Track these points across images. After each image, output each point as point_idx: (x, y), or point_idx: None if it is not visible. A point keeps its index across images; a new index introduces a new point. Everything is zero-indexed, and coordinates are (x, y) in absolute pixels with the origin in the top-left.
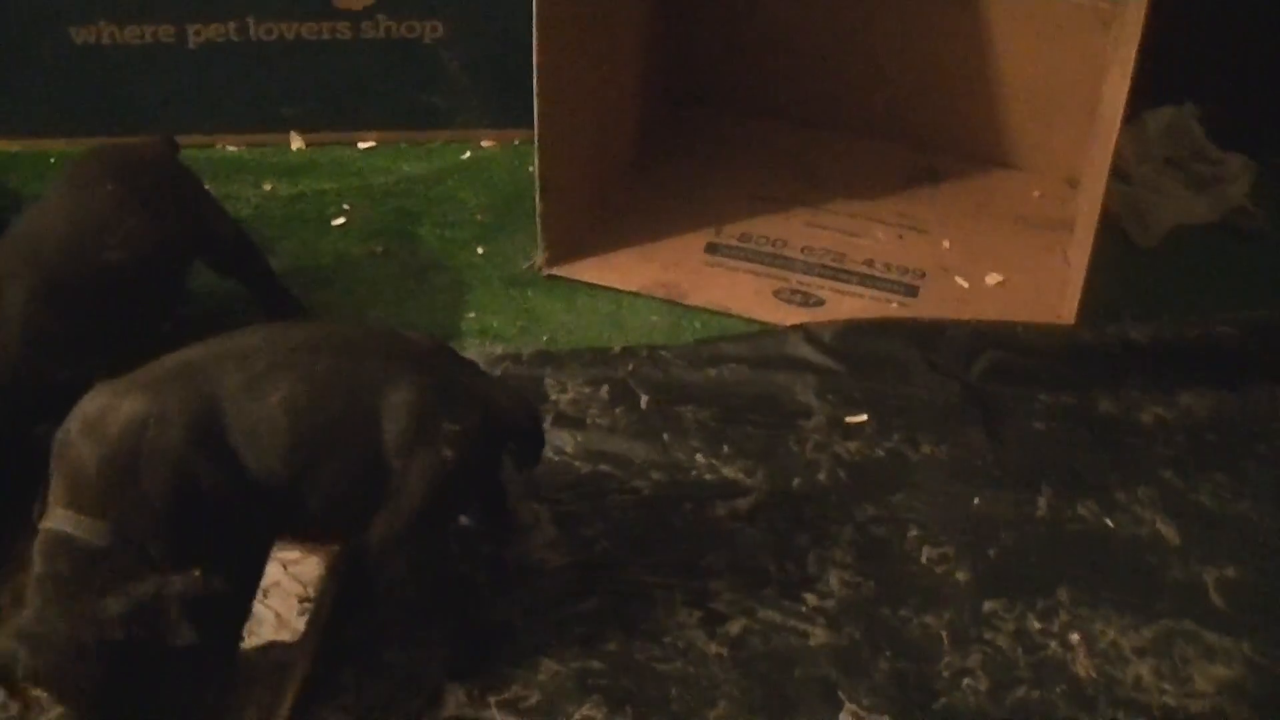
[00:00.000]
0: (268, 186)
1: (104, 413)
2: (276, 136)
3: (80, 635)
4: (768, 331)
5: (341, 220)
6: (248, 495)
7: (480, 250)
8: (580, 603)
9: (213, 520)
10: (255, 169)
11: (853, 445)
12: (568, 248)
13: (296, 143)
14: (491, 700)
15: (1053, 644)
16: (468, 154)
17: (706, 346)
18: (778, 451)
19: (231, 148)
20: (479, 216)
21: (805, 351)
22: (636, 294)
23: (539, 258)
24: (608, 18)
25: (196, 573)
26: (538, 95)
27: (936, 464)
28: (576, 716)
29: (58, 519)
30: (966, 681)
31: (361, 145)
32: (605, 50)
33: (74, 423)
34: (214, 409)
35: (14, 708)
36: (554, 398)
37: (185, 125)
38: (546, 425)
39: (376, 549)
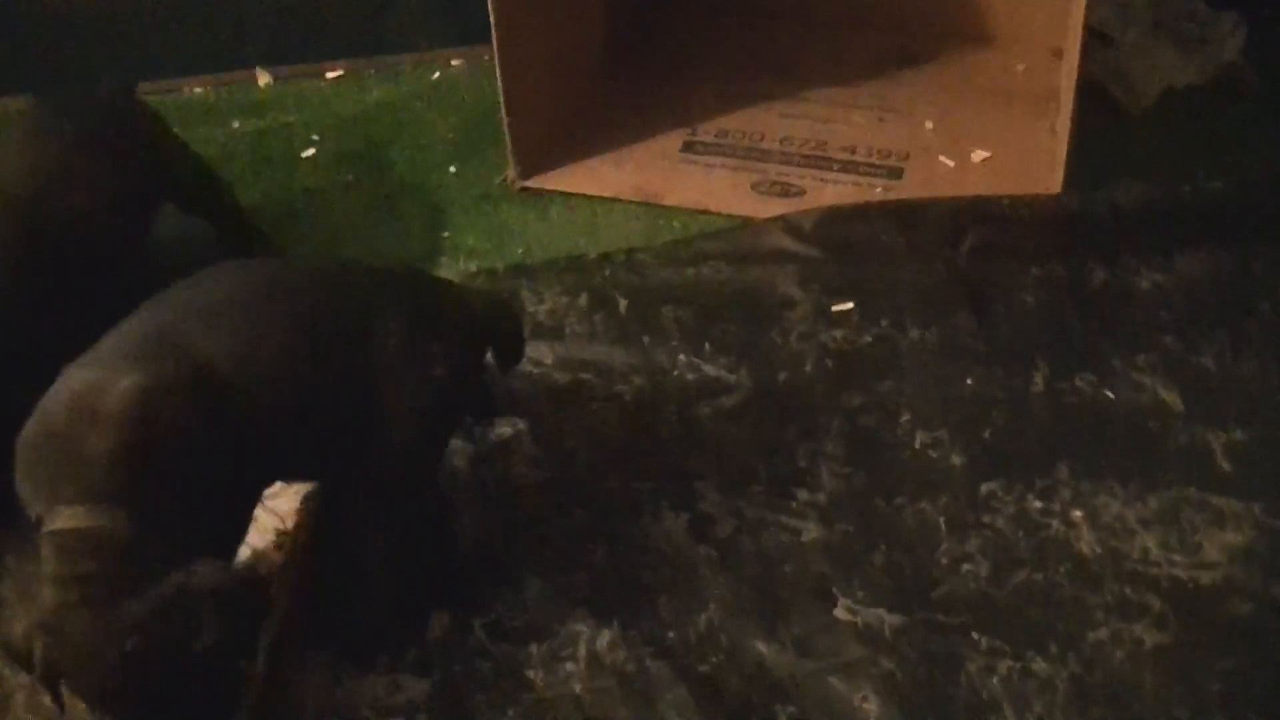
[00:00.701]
0: (235, 124)
1: (95, 393)
2: (242, 75)
3: (106, 632)
4: (747, 225)
5: (311, 152)
6: (258, 453)
7: (452, 170)
8: (563, 518)
9: (230, 487)
10: (222, 109)
11: (838, 334)
12: (539, 160)
13: (263, 79)
14: (475, 624)
15: (1055, 523)
16: (436, 75)
17: (684, 246)
18: (761, 345)
19: (198, 89)
20: (450, 136)
21: (786, 242)
22: (612, 200)
23: (511, 172)
24: None
25: (221, 564)
26: (492, 8)
27: (925, 348)
28: (563, 633)
29: (69, 517)
30: (966, 567)
31: (329, 76)
32: None
33: (59, 410)
34: (211, 371)
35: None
36: (531, 309)
37: (150, 71)
38: (525, 335)
39: (377, 474)
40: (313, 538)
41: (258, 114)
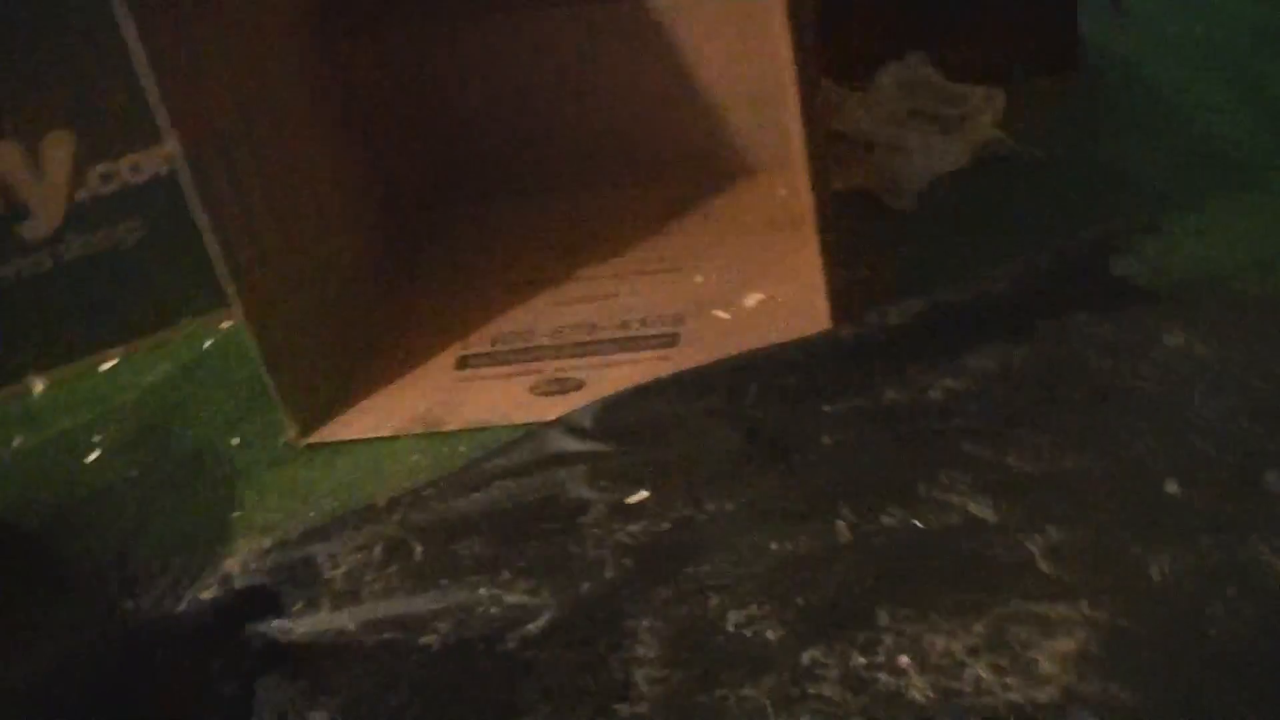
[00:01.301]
0: (16, 442)
1: None
2: (16, 387)
3: None
4: (527, 435)
5: (96, 454)
6: None
7: (235, 441)
8: None
9: None
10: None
11: (635, 528)
12: (317, 412)
13: (38, 386)
14: None
15: (882, 675)
16: (209, 342)
17: (469, 472)
18: (560, 560)
19: None
20: (230, 405)
21: (569, 443)
22: (395, 437)
23: (291, 432)
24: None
25: None
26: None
27: (726, 519)
28: None
29: None
30: None
31: (103, 368)
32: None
33: None
34: None
35: None
36: (328, 575)
37: None
38: (325, 611)
39: None
40: None
41: (36, 426)
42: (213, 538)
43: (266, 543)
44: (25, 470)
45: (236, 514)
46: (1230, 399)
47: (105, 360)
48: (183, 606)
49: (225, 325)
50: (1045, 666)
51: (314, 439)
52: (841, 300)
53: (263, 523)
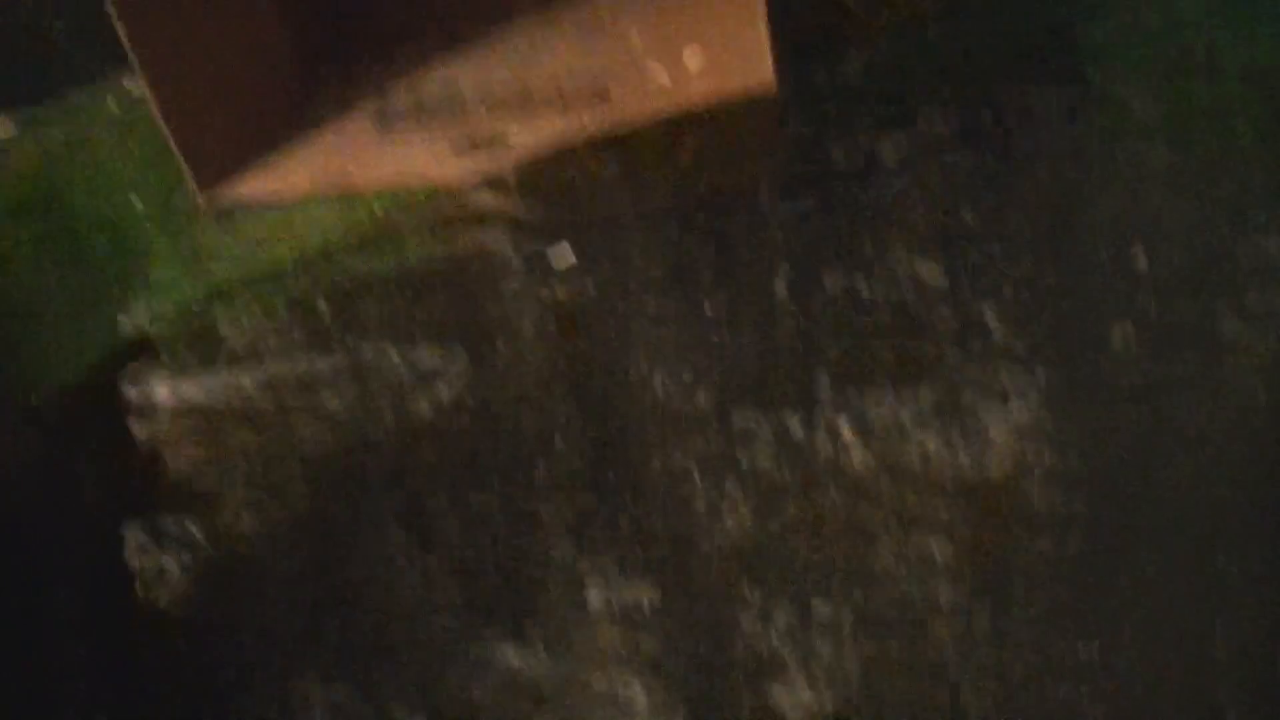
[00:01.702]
0: None
1: None
2: None
3: None
4: (447, 191)
5: None
6: None
7: (138, 204)
8: (287, 560)
9: None
10: None
11: (559, 289)
12: (222, 174)
13: None
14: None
15: (821, 444)
16: (111, 104)
17: (382, 229)
18: (476, 320)
19: None
20: (131, 168)
21: (491, 201)
22: (307, 200)
23: (196, 193)
24: None
25: None
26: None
27: (657, 284)
28: (299, 690)
29: None
30: (727, 514)
31: (3, 137)
32: None
33: None
34: None
35: None
36: (228, 335)
37: None
38: (223, 371)
39: None
40: None
41: None
42: (111, 302)
43: (168, 305)
44: None
45: (138, 277)
46: (1192, 167)
47: (2, 129)
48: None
49: (126, 83)
50: (998, 438)
51: (216, 198)
52: (787, 57)
53: (164, 283)
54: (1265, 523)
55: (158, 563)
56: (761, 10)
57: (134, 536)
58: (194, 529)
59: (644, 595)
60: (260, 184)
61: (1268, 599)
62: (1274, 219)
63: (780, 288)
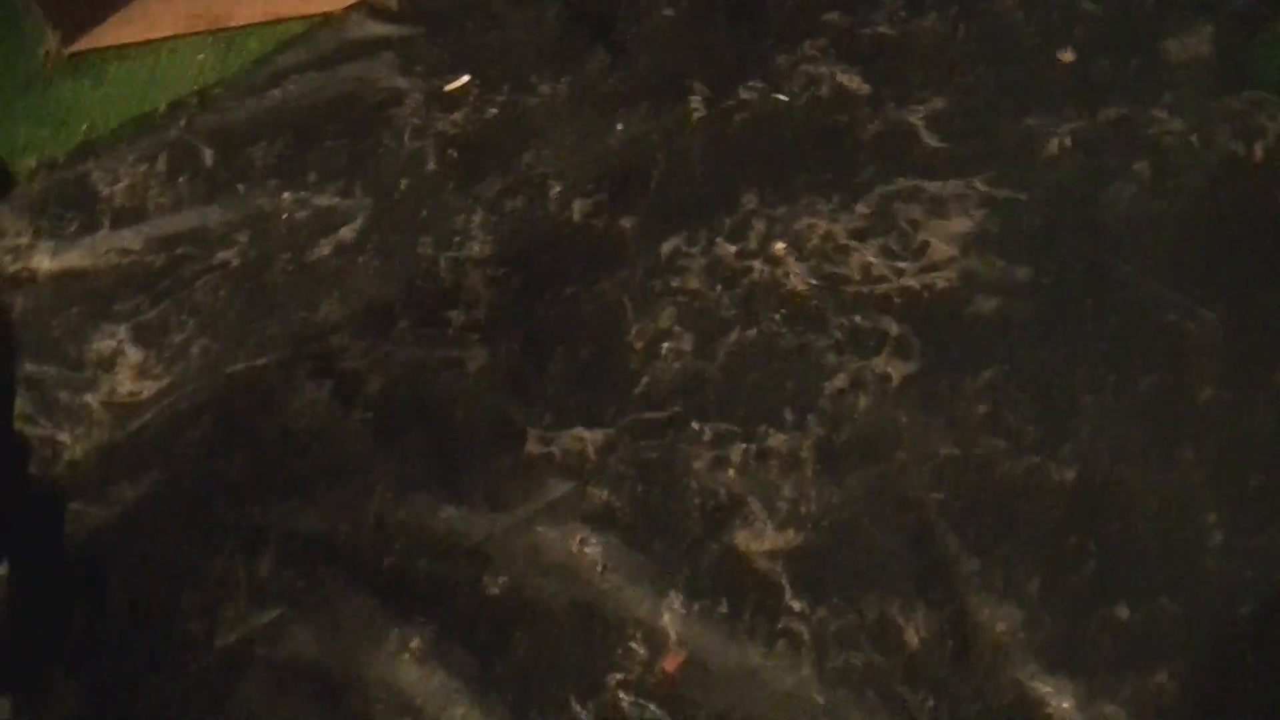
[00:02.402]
0: None
1: None
2: None
3: None
4: (326, 22)
5: None
6: None
7: None
8: (188, 427)
9: None
10: None
11: (458, 116)
12: (80, 17)
13: None
14: (114, 585)
15: (756, 264)
16: None
17: (262, 67)
18: (372, 156)
19: None
20: None
21: (375, 28)
22: (174, 38)
23: (51, 41)
24: None
25: None
26: None
27: (560, 102)
28: (216, 569)
29: None
30: (665, 346)
31: None
32: None
33: None
34: None
35: None
36: (105, 192)
37: None
38: (104, 230)
39: None
40: None
41: None
42: None
43: (31, 163)
44: None
45: None
46: None
47: None
48: None
49: None
50: (940, 249)
51: (78, 46)
52: None
53: (25, 142)
54: (1213, 311)
55: (50, 434)
56: None
57: (20, 406)
58: (89, 398)
59: (587, 441)
60: (123, 29)
61: (1226, 377)
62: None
63: (696, 103)
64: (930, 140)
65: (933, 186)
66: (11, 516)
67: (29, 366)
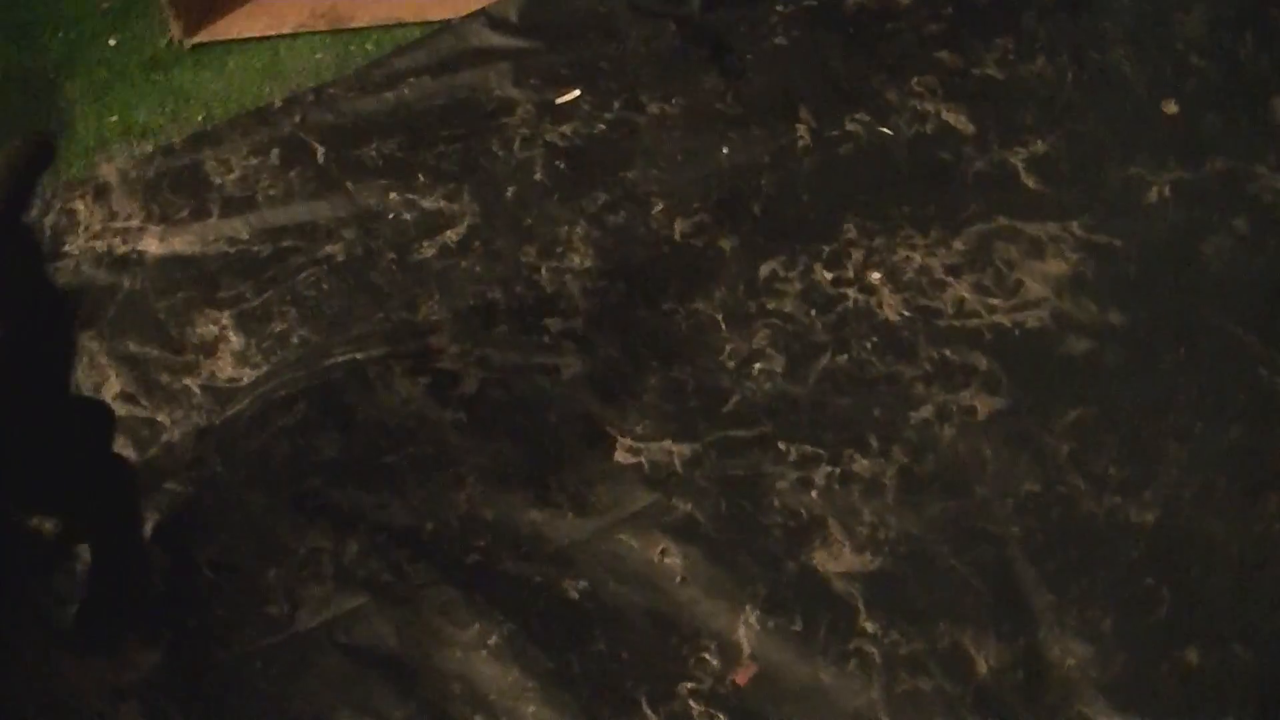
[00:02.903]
0: None
1: None
2: None
3: None
4: (445, 29)
5: None
6: None
7: (112, 43)
8: (284, 414)
9: None
10: None
11: (567, 128)
12: (203, 8)
13: None
14: (200, 561)
15: (851, 292)
16: None
17: (378, 68)
18: (481, 162)
19: None
20: (104, 5)
21: (491, 38)
22: (294, 36)
23: (175, 30)
24: None
25: None
26: None
27: (670, 121)
28: (302, 552)
29: None
30: (757, 367)
31: None
32: None
33: None
34: None
35: None
36: (218, 181)
37: None
38: (213, 218)
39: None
40: None
41: None
42: (88, 145)
43: (148, 148)
44: None
45: (113, 119)
46: (1225, 13)
47: None
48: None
49: None
50: (1033, 288)
51: (201, 38)
52: None
53: (143, 126)
54: None
55: (150, 415)
56: None
57: (121, 385)
58: (188, 382)
59: (674, 453)
60: (245, 23)
61: None
62: None
63: (803, 132)
64: (1031, 182)
65: (1030, 228)
66: (90, 486)
67: (131, 347)
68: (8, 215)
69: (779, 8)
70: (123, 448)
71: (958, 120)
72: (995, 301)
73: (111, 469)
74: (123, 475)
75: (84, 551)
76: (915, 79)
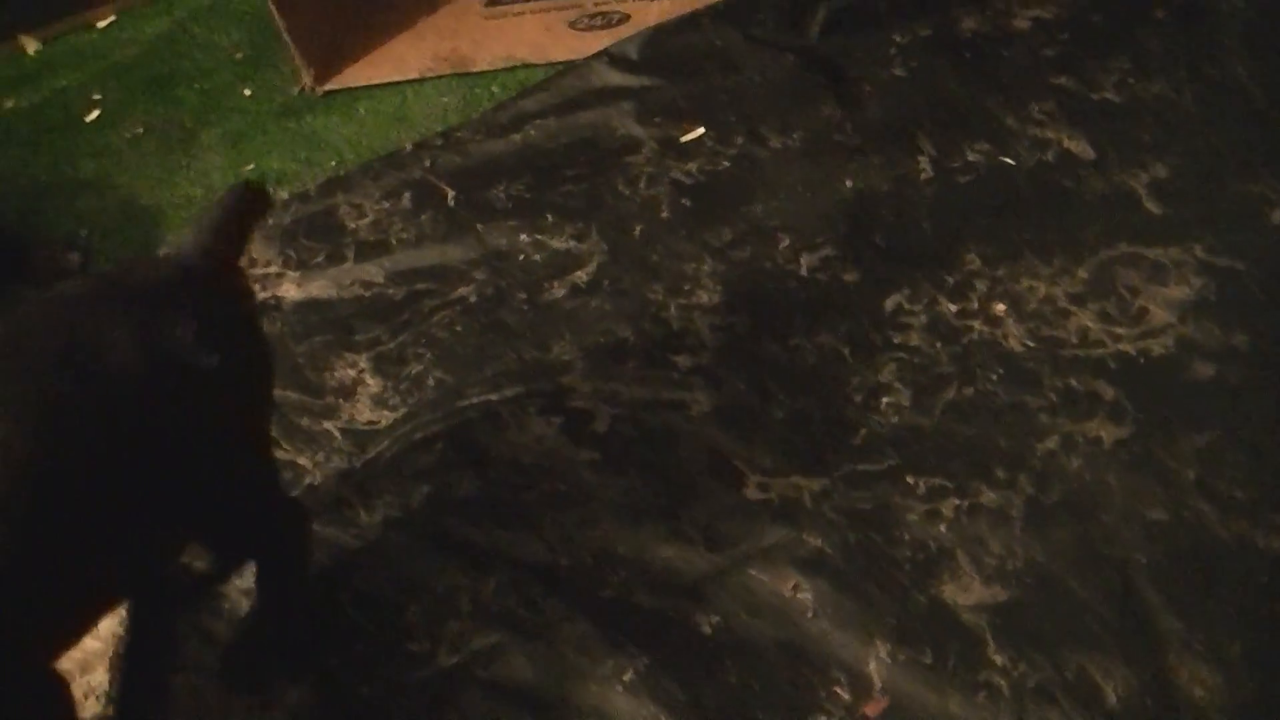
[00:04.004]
0: (9, 104)
1: None
2: (6, 47)
3: None
4: (568, 70)
5: (95, 114)
6: None
7: (247, 92)
8: (422, 455)
9: None
10: None
11: (691, 165)
12: (332, 57)
13: (31, 46)
14: (343, 598)
15: (976, 323)
16: None
17: (503, 110)
18: (608, 201)
19: None
20: (238, 56)
21: (613, 77)
22: (420, 80)
23: (306, 78)
24: None
25: None
26: None
27: (791, 154)
28: (440, 590)
29: None
30: (884, 401)
31: (101, 24)
32: None
33: None
34: None
35: None
36: (352, 226)
37: None
38: (348, 262)
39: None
40: None
41: (31, 86)
42: (220, 193)
43: (284, 195)
44: (21, 134)
45: (249, 167)
46: None
47: (101, 16)
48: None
49: None
50: (1158, 315)
51: (331, 85)
52: None
53: (278, 173)
54: None
55: (292, 458)
56: None
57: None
58: (328, 425)
59: (803, 488)
60: (372, 67)
61: None
62: None
63: (924, 162)
64: (1152, 206)
65: (1153, 253)
66: (269, 525)
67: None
68: (227, 258)
69: (896, 37)
70: None
71: (1077, 146)
72: (1119, 330)
73: (287, 507)
74: (297, 514)
75: (231, 590)
76: (1034, 105)
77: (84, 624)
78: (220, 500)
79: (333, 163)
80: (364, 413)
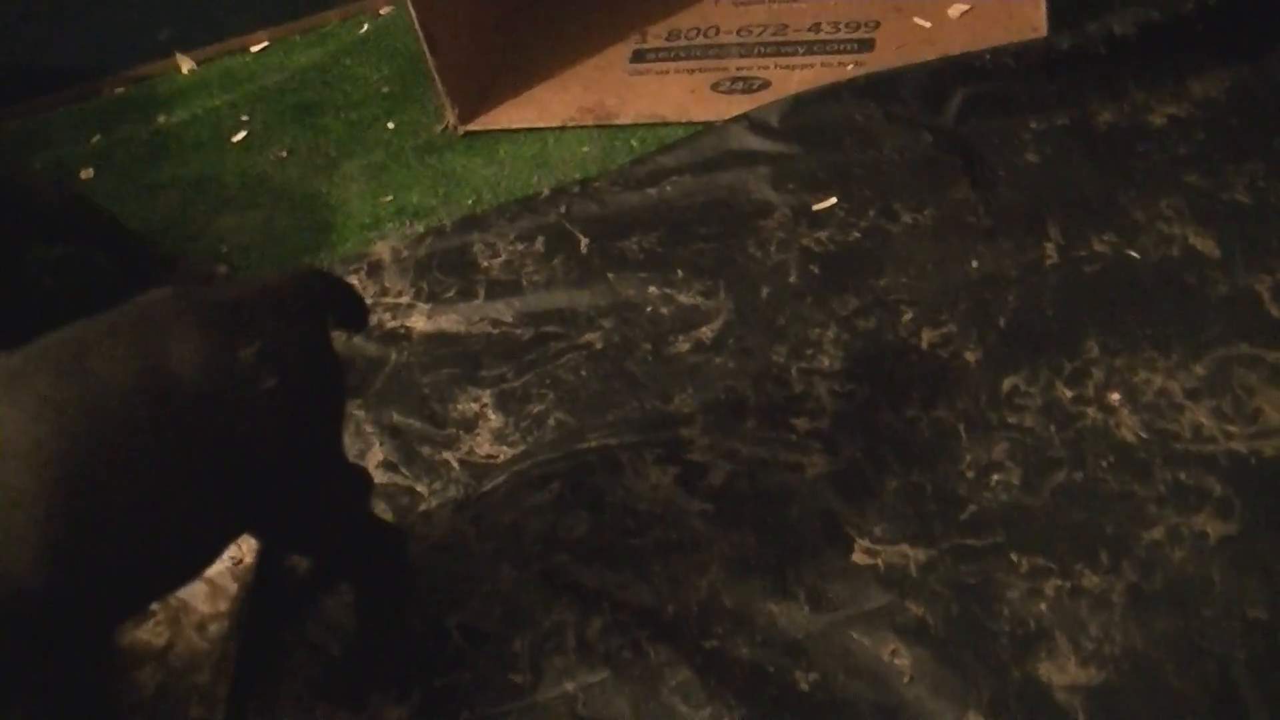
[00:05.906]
0: (160, 119)
1: None
2: (162, 65)
3: None
4: (709, 130)
5: (242, 134)
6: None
7: (390, 125)
8: (537, 492)
9: None
10: (144, 104)
11: (822, 234)
12: (478, 98)
13: (185, 65)
14: (450, 626)
15: (1090, 410)
16: (365, 27)
17: (642, 164)
18: (738, 261)
19: (119, 89)
20: (385, 90)
21: (752, 142)
22: (562, 129)
23: (450, 117)
24: None
25: None
26: None
27: (921, 231)
28: (547, 624)
29: None
30: (995, 478)
31: (254, 49)
32: None
33: None
34: None
35: None
36: (484, 264)
37: (67, 77)
38: (479, 299)
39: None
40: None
41: (183, 104)
42: (362, 222)
43: (420, 228)
44: (170, 149)
45: (388, 199)
46: None
47: (256, 42)
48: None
49: (385, 11)
50: (1273, 417)
51: (474, 126)
52: (1060, 6)
53: (415, 207)
54: None
55: (410, 485)
56: None
57: (384, 454)
58: (447, 455)
59: (910, 557)
60: (516, 112)
61: None
62: None
63: (1050, 249)
64: (1274, 310)
65: (1272, 356)
66: (355, 544)
67: (395, 417)
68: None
69: (1032, 124)
70: (383, 513)
71: (1204, 244)
72: (1232, 428)
73: (384, 531)
74: (391, 536)
75: (338, 604)
76: (1164, 201)
77: (142, 607)
78: (287, 513)
79: (470, 201)
80: (484, 446)
